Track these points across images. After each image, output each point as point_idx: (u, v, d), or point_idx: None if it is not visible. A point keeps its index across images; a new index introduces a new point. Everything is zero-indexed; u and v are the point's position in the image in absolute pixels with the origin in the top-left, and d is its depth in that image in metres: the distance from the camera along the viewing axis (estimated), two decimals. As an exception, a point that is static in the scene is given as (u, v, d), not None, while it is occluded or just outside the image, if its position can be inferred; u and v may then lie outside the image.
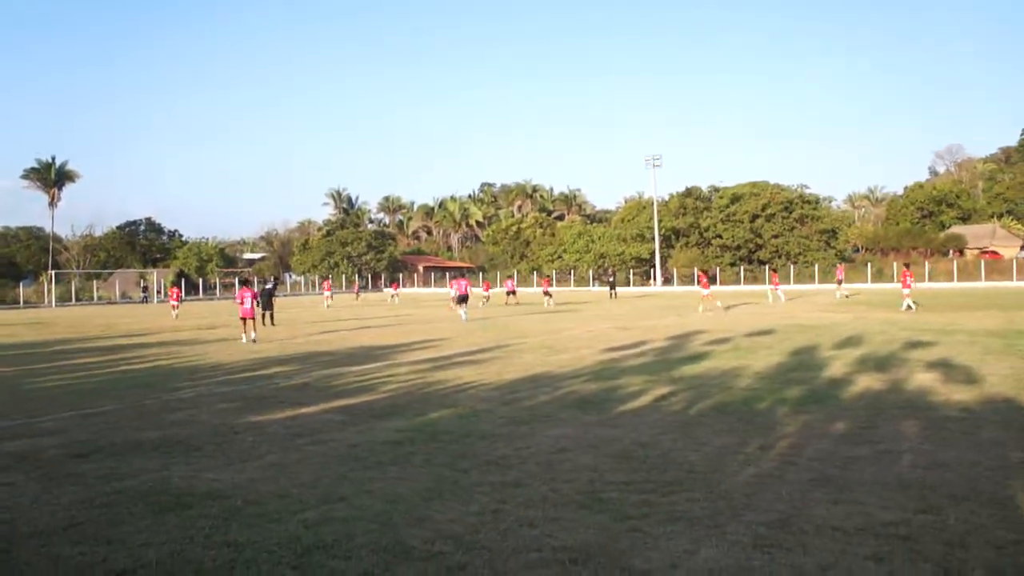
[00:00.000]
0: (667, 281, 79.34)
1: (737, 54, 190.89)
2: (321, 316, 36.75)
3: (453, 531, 5.34)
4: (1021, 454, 7.21)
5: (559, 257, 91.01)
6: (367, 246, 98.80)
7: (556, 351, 17.54)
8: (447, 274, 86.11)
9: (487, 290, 49.46)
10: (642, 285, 79.76)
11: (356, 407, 10.68)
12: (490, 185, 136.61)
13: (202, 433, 9.03)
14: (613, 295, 50.89)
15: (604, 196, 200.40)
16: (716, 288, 65.56)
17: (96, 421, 10.04)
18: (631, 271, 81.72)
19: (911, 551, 4.82)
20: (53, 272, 71.41)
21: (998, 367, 13.07)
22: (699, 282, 39.43)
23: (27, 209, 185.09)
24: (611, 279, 54.90)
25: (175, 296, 40.60)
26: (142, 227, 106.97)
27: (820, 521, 5.40)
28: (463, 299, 30.78)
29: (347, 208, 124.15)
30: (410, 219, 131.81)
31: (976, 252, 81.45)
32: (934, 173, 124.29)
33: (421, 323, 29.35)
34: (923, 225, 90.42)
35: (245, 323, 22.00)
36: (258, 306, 25.24)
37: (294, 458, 7.68)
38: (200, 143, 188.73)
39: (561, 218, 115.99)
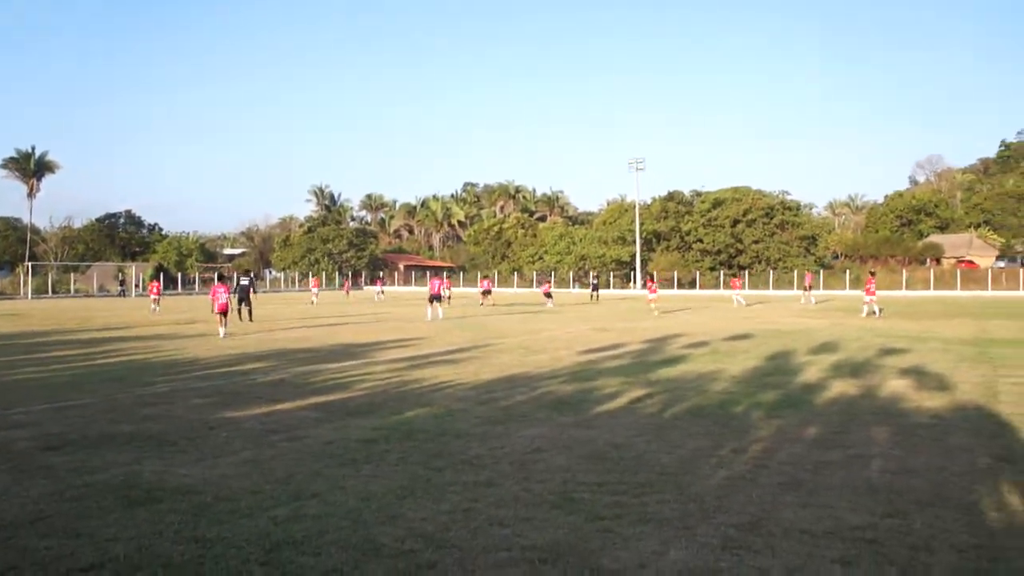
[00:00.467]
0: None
1: (728, 59, 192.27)
2: (304, 312, 36.63)
3: (424, 529, 5.35)
4: (988, 460, 7.30)
5: (540, 258, 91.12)
6: (348, 244, 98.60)
7: (534, 352, 17.58)
8: (427, 272, 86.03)
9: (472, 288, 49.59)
10: (622, 288, 79.97)
11: (332, 404, 10.66)
12: (473, 185, 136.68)
13: (176, 428, 8.98)
14: (595, 297, 51.06)
15: (587, 198, 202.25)
16: (696, 292, 65.94)
17: (69, 414, 9.95)
18: (612, 274, 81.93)
19: (877, 554, 4.88)
20: (30, 264, 70.68)
21: (970, 375, 13.24)
22: (647, 286, 39.79)
23: (5, 199, 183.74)
24: (594, 282, 55.09)
25: (154, 290, 40.33)
26: (122, 220, 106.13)
27: (789, 524, 5.45)
28: (436, 298, 30.87)
29: (329, 205, 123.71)
30: (392, 217, 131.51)
31: (953, 261, 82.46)
32: (914, 182, 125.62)
33: (402, 321, 29.29)
34: (902, 233, 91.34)
35: (220, 317, 22.37)
36: (234, 301, 25.29)
37: (268, 454, 7.65)
38: (183, 138, 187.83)
39: (543, 219, 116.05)
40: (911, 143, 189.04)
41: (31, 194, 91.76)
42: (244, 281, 29.86)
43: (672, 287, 73.75)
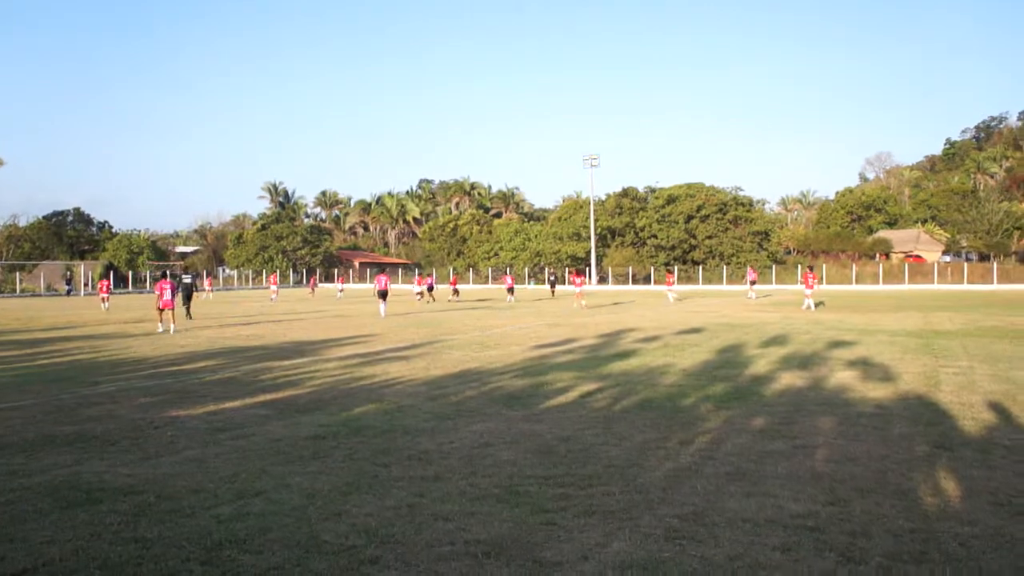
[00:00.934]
0: (602, 280, 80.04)
1: (681, 55, 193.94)
2: (260, 310, 36.19)
3: (368, 525, 5.32)
4: (927, 448, 7.47)
5: (495, 255, 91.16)
6: (302, 240, 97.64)
7: (486, 347, 17.56)
8: (384, 269, 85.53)
9: (454, 285, 50.37)
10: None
11: (281, 401, 10.55)
12: (428, 182, 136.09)
13: (119, 428, 8.81)
14: (554, 293, 51.45)
15: (542, 195, 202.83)
16: (651, 288, 66.41)
17: (9, 416, 9.71)
18: (566, 269, 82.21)
19: (817, 541, 4.96)
20: (-27, 263, 68.96)
21: (913, 365, 13.53)
22: (573, 282, 41.28)
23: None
24: (552, 278, 55.50)
25: (104, 289, 39.80)
26: (70, 218, 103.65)
27: (732, 514, 5.52)
28: (383, 294, 31.09)
29: (283, 202, 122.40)
30: (347, 214, 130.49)
31: (901, 256, 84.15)
32: (864, 179, 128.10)
33: (356, 318, 29.09)
34: (852, 229, 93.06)
35: (162, 313, 23.13)
36: (180, 299, 25.51)
37: (213, 453, 7.55)
38: (136, 133, 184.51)
39: (499, 216, 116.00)
40: (861, 140, 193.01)
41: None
42: (187, 279, 31.15)
43: (626, 283, 74.19)
